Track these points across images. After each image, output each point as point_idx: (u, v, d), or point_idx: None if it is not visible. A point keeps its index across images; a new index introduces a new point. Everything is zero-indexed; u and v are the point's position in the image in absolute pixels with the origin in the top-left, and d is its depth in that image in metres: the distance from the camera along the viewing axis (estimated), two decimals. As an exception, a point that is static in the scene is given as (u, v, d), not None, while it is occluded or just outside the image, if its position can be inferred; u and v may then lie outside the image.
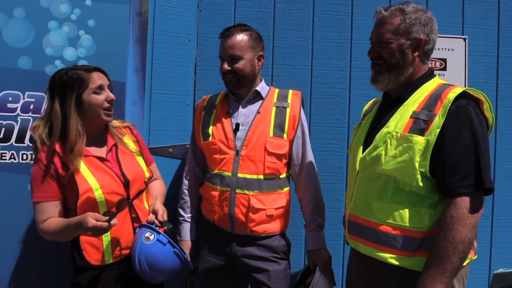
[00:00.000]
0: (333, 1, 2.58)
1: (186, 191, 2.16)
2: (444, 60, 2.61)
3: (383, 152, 1.53)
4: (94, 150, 1.82)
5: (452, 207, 1.41)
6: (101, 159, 1.81)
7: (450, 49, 2.61)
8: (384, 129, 1.57)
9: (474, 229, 1.40)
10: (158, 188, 2.06)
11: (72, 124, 1.73)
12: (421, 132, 1.47)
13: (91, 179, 1.73)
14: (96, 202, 1.73)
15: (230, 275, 2.07)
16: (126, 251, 1.83)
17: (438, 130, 1.44)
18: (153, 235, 1.76)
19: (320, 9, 2.58)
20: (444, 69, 2.61)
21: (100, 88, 1.79)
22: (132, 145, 1.96)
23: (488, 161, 1.45)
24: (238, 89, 2.02)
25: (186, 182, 2.17)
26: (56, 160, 1.72)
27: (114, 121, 1.94)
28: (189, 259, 1.86)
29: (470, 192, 1.41)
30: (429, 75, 1.64)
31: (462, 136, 1.43)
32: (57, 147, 1.73)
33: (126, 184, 1.83)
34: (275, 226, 2.00)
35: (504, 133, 2.59)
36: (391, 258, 1.50)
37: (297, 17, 2.58)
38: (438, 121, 1.45)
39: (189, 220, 2.14)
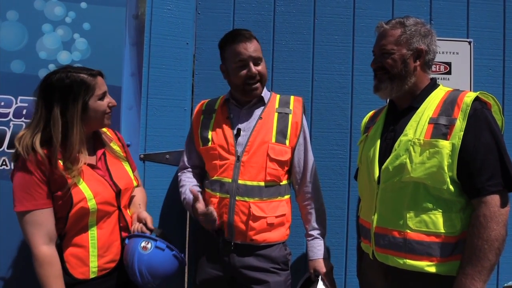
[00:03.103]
0: (334, 4, 2.53)
1: (185, 179, 2.07)
2: (449, 64, 2.54)
3: (408, 160, 1.55)
4: (84, 158, 1.71)
5: (483, 206, 1.45)
6: (92, 166, 1.73)
7: (455, 53, 2.55)
8: (403, 138, 1.59)
9: (506, 225, 1.45)
10: (140, 195, 1.98)
11: (76, 132, 1.63)
12: (444, 137, 1.50)
13: (84, 188, 1.65)
14: (88, 211, 1.66)
15: (229, 287, 1.99)
16: (112, 264, 1.74)
17: (462, 133, 1.49)
18: (149, 243, 1.71)
19: (321, 11, 2.53)
20: (449, 73, 2.54)
21: (104, 94, 1.73)
22: (119, 151, 1.89)
23: (509, 159, 1.50)
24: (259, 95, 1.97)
25: (182, 176, 2.09)
26: (47, 168, 1.60)
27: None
28: (185, 258, 1.81)
29: (499, 190, 1.46)
30: (434, 85, 1.69)
31: (484, 137, 1.48)
32: (47, 152, 1.61)
33: (118, 193, 1.76)
34: (275, 235, 1.93)
35: (511, 137, 2.52)
36: (427, 266, 1.51)
37: (298, 20, 2.52)
38: (460, 124, 1.50)
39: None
